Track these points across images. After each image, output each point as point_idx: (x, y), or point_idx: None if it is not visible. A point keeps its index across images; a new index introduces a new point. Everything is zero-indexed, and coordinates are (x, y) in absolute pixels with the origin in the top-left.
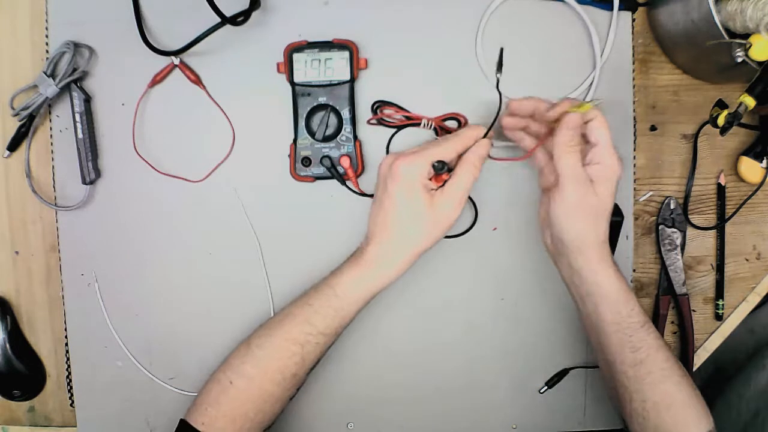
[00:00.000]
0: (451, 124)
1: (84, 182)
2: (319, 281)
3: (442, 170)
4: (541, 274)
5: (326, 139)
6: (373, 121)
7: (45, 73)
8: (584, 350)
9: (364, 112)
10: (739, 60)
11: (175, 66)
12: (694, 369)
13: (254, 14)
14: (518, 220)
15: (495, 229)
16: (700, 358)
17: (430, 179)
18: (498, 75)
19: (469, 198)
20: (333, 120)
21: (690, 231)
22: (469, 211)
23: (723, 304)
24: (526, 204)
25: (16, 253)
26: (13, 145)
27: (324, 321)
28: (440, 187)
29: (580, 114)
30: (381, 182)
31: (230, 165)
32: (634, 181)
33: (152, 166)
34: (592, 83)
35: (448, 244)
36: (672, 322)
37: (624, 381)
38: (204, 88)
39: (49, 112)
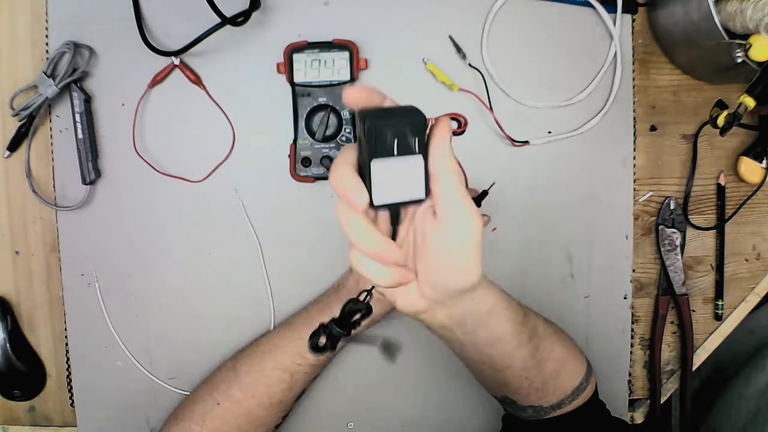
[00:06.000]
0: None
1: (84, 182)
2: (305, 313)
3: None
4: (541, 274)
5: (326, 139)
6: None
7: (45, 73)
8: (584, 350)
9: None
10: (739, 60)
11: (175, 66)
12: (694, 369)
13: (254, 14)
14: (518, 220)
15: (495, 229)
16: (699, 358)
17: None
18: (468, 61)
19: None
20: (333, 120)
21: (690, 231)
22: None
23: (722, 305)
24: (526, 204)
25: (16, 253)
26: (13, 145)
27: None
28: None
29: None
30: None
31: (230, 165)
32: (634, 182)
33: (152, 166)
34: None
35: None
36: (672, 322)
37: (526, 374)
38: (204, 88)
39: (49, 112)
